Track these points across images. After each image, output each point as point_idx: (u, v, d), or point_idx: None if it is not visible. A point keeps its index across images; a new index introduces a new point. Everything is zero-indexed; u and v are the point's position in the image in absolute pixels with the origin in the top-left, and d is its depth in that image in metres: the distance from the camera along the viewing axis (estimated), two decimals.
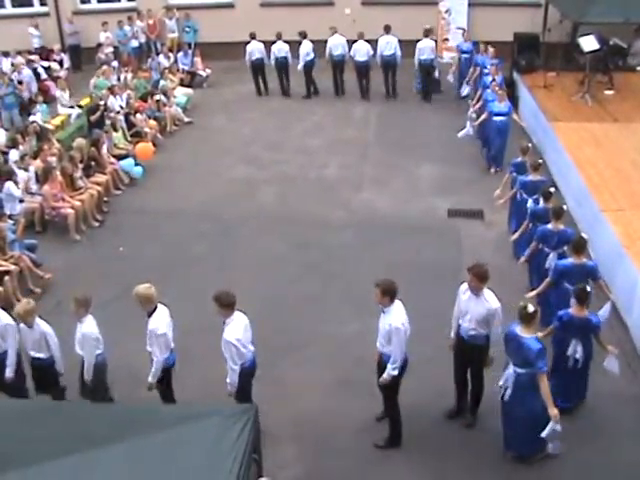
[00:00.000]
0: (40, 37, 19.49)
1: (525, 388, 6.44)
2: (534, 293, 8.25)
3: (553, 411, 6.15)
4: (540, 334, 6.87)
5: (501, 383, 6.66)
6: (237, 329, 6.64)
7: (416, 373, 7.21)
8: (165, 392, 7.08)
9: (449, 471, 6.88)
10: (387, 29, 16.47)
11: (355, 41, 16.73)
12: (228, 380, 6.68)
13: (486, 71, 14.49)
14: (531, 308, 6.36)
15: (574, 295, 6.98)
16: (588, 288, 7.00)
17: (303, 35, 17.13)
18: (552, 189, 9.41)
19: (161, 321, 6.83)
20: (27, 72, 17.33)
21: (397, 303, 6.65)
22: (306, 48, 17.08)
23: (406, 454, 7.07)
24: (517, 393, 6.52)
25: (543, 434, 6.20)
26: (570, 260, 7.94)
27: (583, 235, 8.33)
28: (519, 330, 6.42)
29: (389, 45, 16.41)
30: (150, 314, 6.84)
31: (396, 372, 6.67)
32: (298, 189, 12.92)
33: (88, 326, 6.92)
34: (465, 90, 15.62)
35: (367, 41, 16.76)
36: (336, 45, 16.97)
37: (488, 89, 13.34)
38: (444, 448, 7.12)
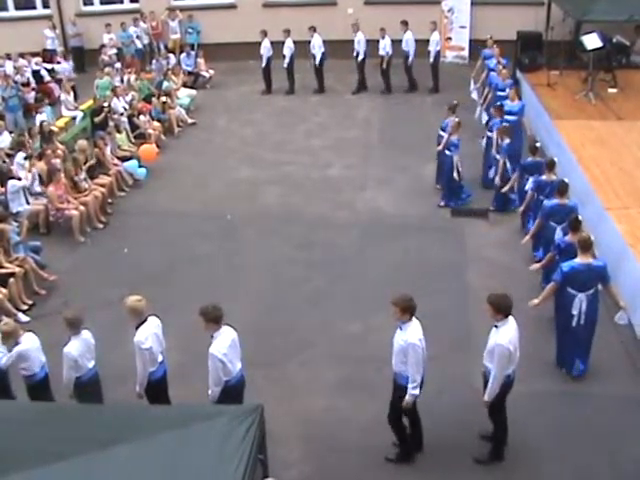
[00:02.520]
0: (55, 39, 19.55)
1: (593, 305, 7.58)
2: (530, 235, 9.55)
3: (622, 302, 7.62)
4: (537, 265, 8.83)
5: (575, 312, 7.52)
6: (224, 344, 6.40)
7: None
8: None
9: (450, 471, 6.85)
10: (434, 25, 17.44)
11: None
12: (209, 392, 6.51)
13: (504, 94, 13.44)
14: (592, 237, 7.62)
15: (569, 225, 8.26)
16: (579, 217, 8.25)
17: (314, 29, 17.35)
18: (538, 144, 10.84)
19: (147, 335, 6.64)
20: (65, 66, 17.99)
21: (415, 320, 6.43)
22: (318, 42, 17.35)
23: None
24: (589, 312, 7.57)
25: (617, 318, 7.68)
26: (555, 201, 9.05)
27: (565, 179, 9.32)
28: (583, 259, 7.47)
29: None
30: (138, 326, 6.65)
31: (417, 392, 6.43)
32: (302, 189, 12.93)
33: (69, 346, 6.74)
34: (483, 116, 14.28)
35: (369, 40, 17.20)
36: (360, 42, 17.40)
37: (511, 116, 12.51)
38: (445, 447, 7.10)
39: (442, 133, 12.18)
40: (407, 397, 6.47)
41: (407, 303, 6.31)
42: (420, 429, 6.99)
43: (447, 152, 11.81)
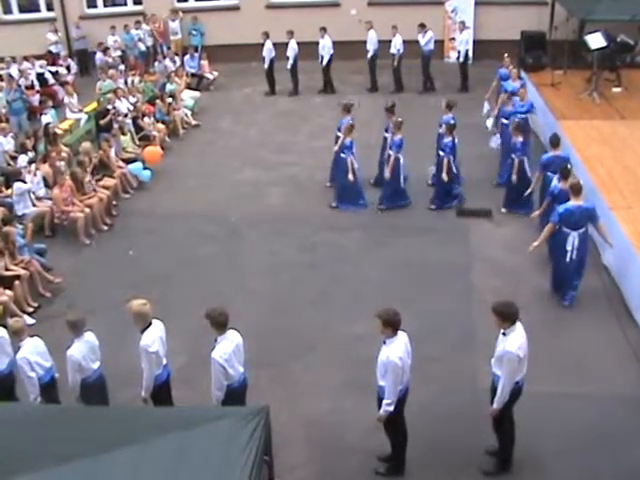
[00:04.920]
0: (57, 43, 19.60)
1: (583, 242, 8.79)
2: (533, 186, 10.74)
3: (610, 239, 8.88)
4: (537, 212, 10.01)
5: (569, 248, 8.71)
6: (227, 348, 6.40)
7: (421, 372, 7.18)
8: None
9: (452, 471, 6.84)
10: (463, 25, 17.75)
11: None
12: (213, 396, 6.54)
13: (522, 116, 12.47)
14: (582, 182, 8.84)
15: (559, 173, 9.41)
16: (569, 166, 9.51)
17: (324, 30, 17.36)
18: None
19: (153, 338, 6.66)
20: (99, 56, 18.40)
21: (401, 335, 6.29)
22: (328, 44, 17.38)
23: (412, 454, 6.99)
24: (580, 247, 8.78)
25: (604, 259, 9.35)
26: (550, 153, 10.43)
27: (556, 133, 10.73)
28: (575, 201, 8.64)
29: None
30: (143, 330, 6.66)
31: (391, 408, 6.33)
32: (305, 191, 12.94)
33: (72, 349, 6.75)
34: (495, 141, 13.37)
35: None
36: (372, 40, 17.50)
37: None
38: (447, 446, 7.09)
39: (339, 133, 12.20)
40: (380, 411, 6.41)
41: (389, 317, 6.16)
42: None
43: (342, 154, 11.83)
